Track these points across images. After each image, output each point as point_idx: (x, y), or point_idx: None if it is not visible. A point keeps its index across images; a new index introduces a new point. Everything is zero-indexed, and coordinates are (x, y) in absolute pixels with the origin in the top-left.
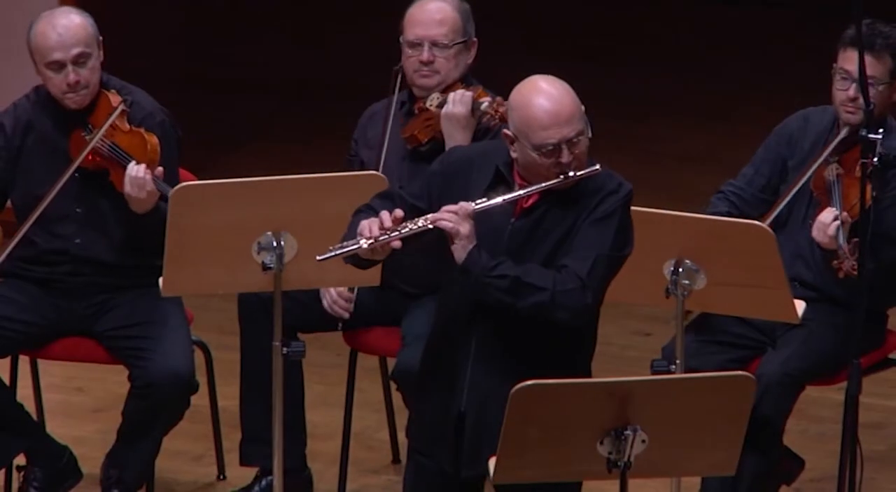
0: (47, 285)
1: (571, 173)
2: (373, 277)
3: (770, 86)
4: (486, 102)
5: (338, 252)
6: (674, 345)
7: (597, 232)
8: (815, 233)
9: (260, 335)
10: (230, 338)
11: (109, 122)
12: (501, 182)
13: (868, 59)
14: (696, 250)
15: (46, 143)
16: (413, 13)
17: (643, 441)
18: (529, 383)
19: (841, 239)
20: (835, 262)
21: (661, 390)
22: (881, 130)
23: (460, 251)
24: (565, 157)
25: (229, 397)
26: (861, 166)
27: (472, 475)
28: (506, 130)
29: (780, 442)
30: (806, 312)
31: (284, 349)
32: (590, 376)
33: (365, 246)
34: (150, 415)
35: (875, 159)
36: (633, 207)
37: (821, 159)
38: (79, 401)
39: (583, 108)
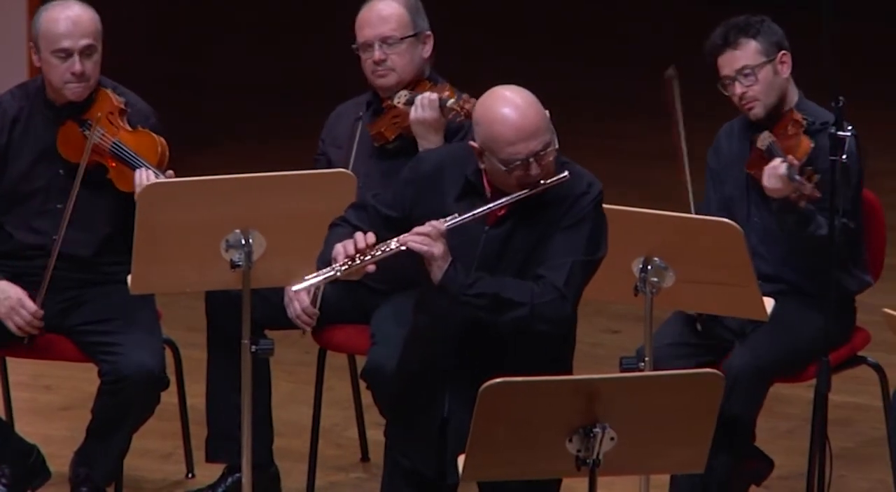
0: (20, 280)
1: (540, 183)
2: None
3: None
4: (451, 100)
5: (314, 280)
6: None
7: (570, 238)
8: (767, 180)
9: (228, 333)
10: (198, 336)
11: (116, 122)
12: (471, 191)
13: (728, 54)
14: (665, 248)
15: (33, 137)
16: (360, 17)
17: (612, 439)
18: (497, 380)
19: (793, 173)
20: (793, 195)
21: (629, 387)
22: (850, 128)
23: (436, 272)
24: (534, 170)
25: (197, 395)
26: (831, 163)
27: (458, 482)
28: (472, 143)
29: (752, 436)
30: (774, 308)
31: (253, 347)
32: (571, 374)
33: (340, 274)
34: (119, 411)
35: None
36: (603, 205)
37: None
38: (47, 399)
39: (548, 116)
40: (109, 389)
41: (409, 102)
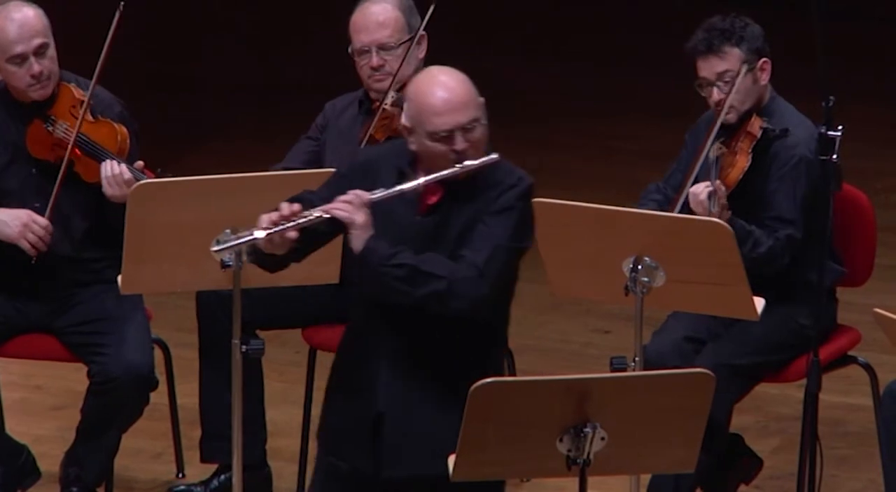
0: (3, 281)
1: (468, 162)
2: (332, 274)
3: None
4: None
5: (233, 243)
6: (659, 347)
7: (495, 224)
8: (691, 203)
9: (219, 333)
10: (188, 335)
11: (81, 116)
12: (404, 181)
13: (712, 60)
14: (656, 247)
15: (4, 138)
16: (355, 20)
17: (602, 439)
18: (488, 380)
19: (711, 204)
20: None
21: (620, 387)
22: (840, 127)
23: (357, 241)
24: (459, 143)
25: (188, 395)
26: (820, 163)
27: (394, 476)
28: (403, 122)
29: (724, 435)
30: None
31: (244, 347)
32: (501, 373)
33: (261, 236)
34: (109, 411)
35: (760, 133)
36: (592, 204)
37: (706, 148)
38: (37, 399)
39: (480, 98)
40: (98, 389)
41: (398, 104)
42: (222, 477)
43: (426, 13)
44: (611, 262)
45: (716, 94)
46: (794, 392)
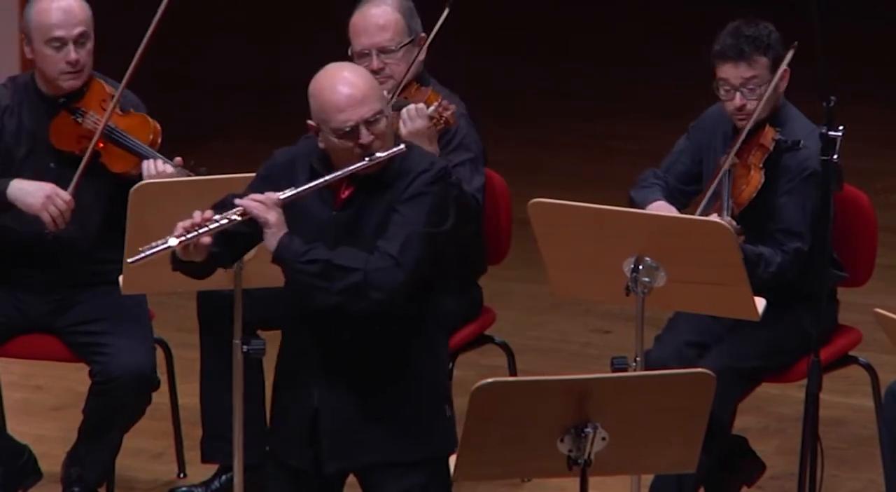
0: (18, 273)
1: (376, 155)
2: None
3: None
4: (431, 108)
5: (148, 252)
6: (661, 353)
7: (408, 211)
8: None
9: (220, 333)
10: (189, 336)
11: (111, 107)
12: (316, 177)
13: (742, 66)
14: (657, 248)
15: (26, 129)
16: (356, 23)
17: (603, 439)
18: (489, 380)
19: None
20: None
21: (620, 387)
22: (841, 127)
23: (271, 239)
24: (364, 137)
25: (189, 395)
26: (822, 163)
27: (335, 471)
28: (309, 121)
29: (727, 436)
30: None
31: (245, 347)
32: (444, 359)
33: (174, 243)
34: (111, 411)
35: (772, 146)
36: (592, 204)
37: (728, 160)
38: (38, 399)
39: (383, 90)
40: (100, 389)
41: (396, 108)
42: (223, 478)
43: (435, 16)
44: (611, 262)
45: (738, 99)
46: (794, 392)
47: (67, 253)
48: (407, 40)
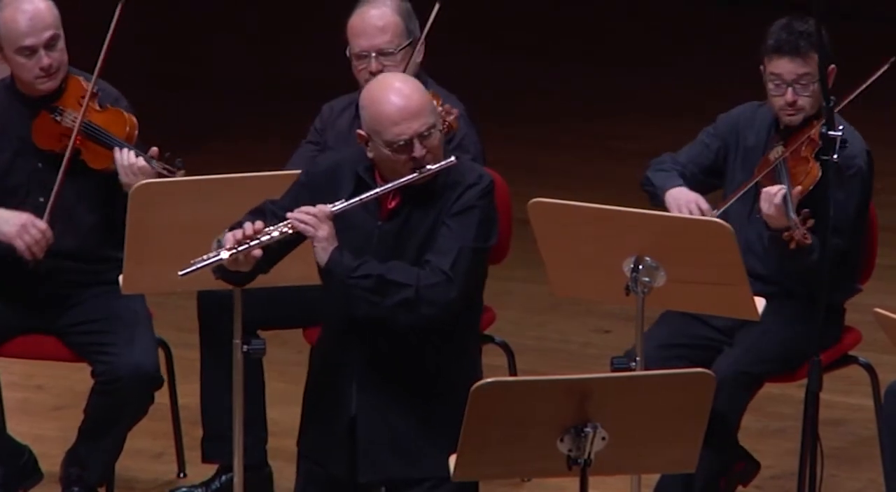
0: (8, 277)
1: (427, 168)
2: None
3: (733, 83)
4: None
5: (199, 265)
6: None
7: (458, 225)
8: (764, 205)
9: (220, 333)
10: (190, 336)
11: (85, 103)
12: (363, 187)
13: (797, 62)
14: (657, 247)
15: (9, 132)
16: (354, 24)
17: (603, 438)
18: (489, 380)
19: (789, 209)
20: (785, 233)
21: (620, 387)
22: (841, 127)
23: (322, 254)
24: (417, 151)
25: (189, 395)
26: (821, 163)
27: (369, 481)
28: (359, 130)
29: (735, 439)
30: (763, 309)
31: (245, 347)
32: (479, 371)
33: (225, 257)
34: (113, 411)
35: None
36: (592, 204)
37: (783, 153)
38: (39, 399)
39: (434, 103)
40: (104, 389)
41: None
42: (223, 478)
43: (429, 15)
44: (611, 262)
45: (790, 95)
46: (794, 392)
47: (57, 255)
48: (405, 42)
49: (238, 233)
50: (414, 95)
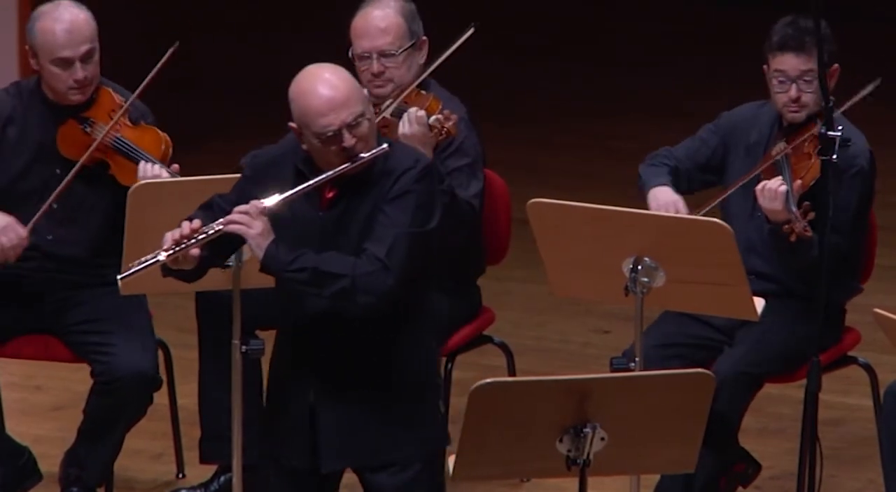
0: (16, 280)
1: (360, 156)
2: None
3: (732, 83)
4: (433, 117)
5: (138, 268)
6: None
7: (394, 211)
8: (763, 200)
9: (218, 333)
10: (188, 336)
11: (117, 118)
12: (302, 178)
13: (802, 58)
14: (656, 248)
15: (29, 136)
16: (357, 25)
17: (602, 439)
18: (488, 380)
19: (791, 203)
20: (786, 226)
21: (620, 387)
22: (840, 127)
23: (256, 250)
24: (347, 141)
25: (188, 395)
26: (821, 163)
27: (332, 469)
28: (291, 124)
29: (736, 439)
30: (764, 309)
31: (243, 347)
32: (436, 360)
33: (163, 258)
34: (113, 412)
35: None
36: (592, 204)
37: (785, 149)
38: (38, 399)
39: (364, 91)
40: (103, 389)
41: (397, 114)
42: (222, 478)
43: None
44: (610, 262)
45: (794, 91)
46: (794, 392)
47: (65, 259)
48: (408, 44)
49: (176, 233)
50: (340, 86)
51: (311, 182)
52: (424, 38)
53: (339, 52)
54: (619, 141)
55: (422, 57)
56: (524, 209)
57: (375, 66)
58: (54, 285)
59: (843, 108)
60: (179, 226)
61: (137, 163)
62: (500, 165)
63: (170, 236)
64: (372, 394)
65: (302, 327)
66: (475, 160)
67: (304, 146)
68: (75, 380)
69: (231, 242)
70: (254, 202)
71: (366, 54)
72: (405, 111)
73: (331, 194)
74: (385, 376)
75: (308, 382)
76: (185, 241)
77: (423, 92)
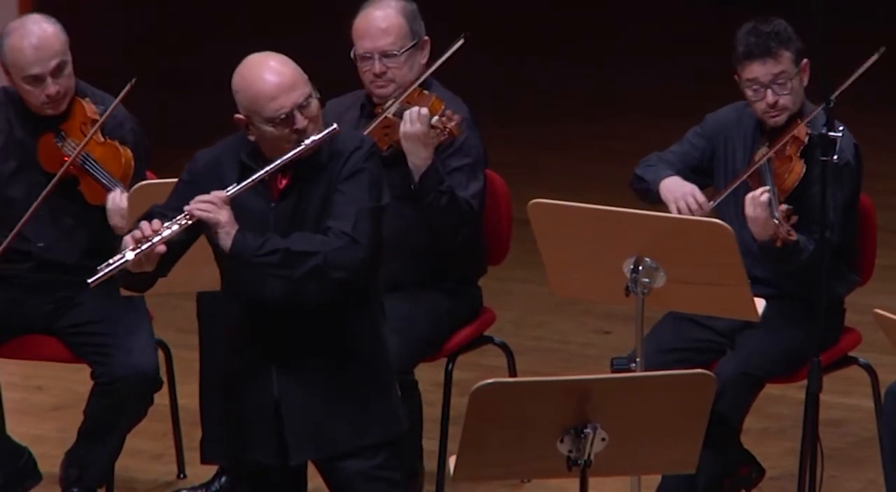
0: (5, 283)
1: (312, 138)
2: None
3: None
4: (435, 118)
5: (108, 270)
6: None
7: (351, 188)
8: (748, 208)
9: (219, 333)
10: (188, 336)
11: (88, 137)
12: (248, 172)
13: (770, 63)
14: (656, 248)
15: (16, 143)
16: (359, 25)
17: (603, 439)
18: (489, 381)
19: (773, 209)
20: (769, 233)
21: (620, 388)
22: (841, 128)
23: (225, 239)
24: (300, 122)
25: (189, 396)
26: (822, 164)
27: (300, 462)
28: (238, 116)
29: (737, 440)
30: (764, 310)
31: None
32: (385, 343)
33: (131, 257)
34: (113, 412)
35: (807, 140)
36: (592, 204)
37: (767, 154)
38: (38, 399)
39: (305, 75)
40: (103, 390)
41: (398, 114)
42: (223, 479)
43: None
44: (611, 262)
45: (770, 96)
46: (794, 393)
47: (57, 266)
48: (410, 44)
49: (137, 233)
50: (285, 69)
51: (267, 168)
52: (426, 37)
53: (340, 52)
54: (619, 141)
55: (424, 57)
56: (524, 209)
57: (377, 67)
58: (51, 288)
59: (851, 79)
60: (138, 227)
61: (98, 183)
62: (500, 166)
63: (130, 238)
64: (332, 381)
65: (255, 320)
66: (476, 161)
67: (252, 137)
68: (75, 380)
69: (179, 248)
70: (215, 192)
71: (367, 55)
72: (407, 110)
73: (283, 184)
74: (341, 360)
75: (268, 375)
76: (148, 239)
77: (426, 92)
